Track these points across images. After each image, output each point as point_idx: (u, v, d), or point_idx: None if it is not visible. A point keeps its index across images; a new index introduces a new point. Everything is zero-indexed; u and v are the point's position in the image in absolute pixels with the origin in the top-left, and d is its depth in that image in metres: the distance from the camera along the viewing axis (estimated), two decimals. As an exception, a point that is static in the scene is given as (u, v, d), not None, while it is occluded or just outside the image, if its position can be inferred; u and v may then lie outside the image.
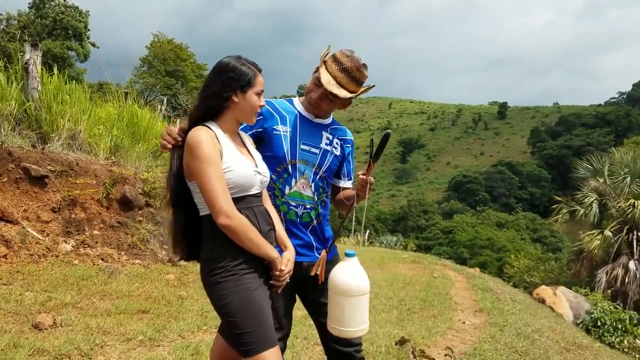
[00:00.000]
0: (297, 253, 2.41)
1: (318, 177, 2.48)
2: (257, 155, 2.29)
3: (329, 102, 2.43)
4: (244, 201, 2.13)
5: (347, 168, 2.65)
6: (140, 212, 7.07)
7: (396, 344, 4.61)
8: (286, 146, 2.44)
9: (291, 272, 2.22)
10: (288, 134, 2.45)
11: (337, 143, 2.55)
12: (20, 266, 5.12)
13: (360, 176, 2.36)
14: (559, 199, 17.40)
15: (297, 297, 2.58)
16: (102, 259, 6.11)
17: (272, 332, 2.09)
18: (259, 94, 2.18)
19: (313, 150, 2.47)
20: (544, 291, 10.97)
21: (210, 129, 2.12)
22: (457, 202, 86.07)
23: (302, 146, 2.46)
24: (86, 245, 6.25)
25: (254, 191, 2.17)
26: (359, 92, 2.44)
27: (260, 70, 2.19)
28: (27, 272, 5.01)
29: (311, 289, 2.49)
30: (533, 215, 70.06)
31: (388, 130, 2.31)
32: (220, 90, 2.12)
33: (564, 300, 10.62)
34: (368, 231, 30.26)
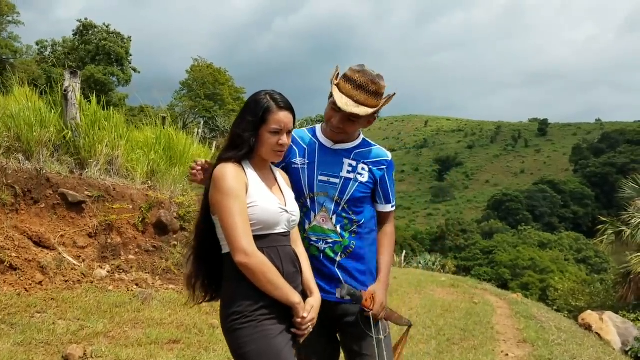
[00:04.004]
0: (325, 291, 2.26)
1: (340, 208, 2.31)
2: (289, 194, 2.19)
3: (351, 124, 2.28)
4: (267, 239, 2.02)
5: (384, 191, 2.43)
6: (175, 236, 7.07)
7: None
8: (303, 179, 2.32)
9: (314, 321, 2.07)
10: (306, 166, 2.34)
11: (362, 168, 2.35)
12: (55, 293, 5.13)
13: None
14: (604, 219, 16.90)
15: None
16: (137, 284, 6.11)
17: None
18: (273, 133, 2.04)
19: (332, 180, 2.32)
20: (590, 316, 10.51)
21: (240, 163, 2.05)
22: (497, 221, 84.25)
23: (320, 177, 2.32)
24: (121, 271, 6.26)
25: (279, 230, 2.06)
26: (381, 105, 2.26)
27: (285, 108, 2.07)
28: (61, 299, 5.02)
29: (344, 334, 2.35)
30: (577, 234, 67.91)
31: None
32: (239, 126, 2.07)
33: (611, 326, 10.16)
34: (405, 251, 29.87)
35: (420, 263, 27.54)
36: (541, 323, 8.14)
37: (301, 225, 2.30)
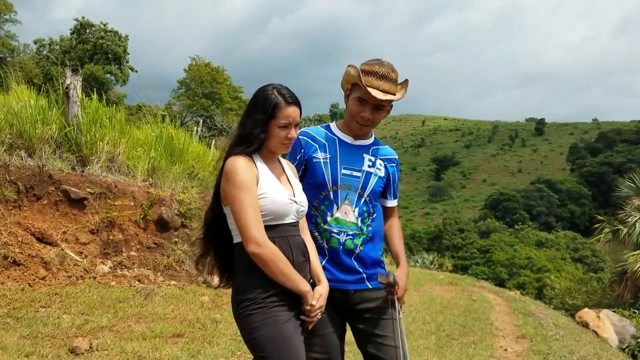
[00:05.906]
0: (342, 281, 2.36)
1: (362, 201, 2.42)
2: (297, 185, 2.26)
3: (378, 114, 2.41)
4: (278, 229, 2.08)
5: (393, 187, 2.61)
6: (176, 233, 7.11)
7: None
8: (327, 173, 2.41)
9: (323, 308, 2.15)
10: (328, 160, 2.43)
11: (380, 164, 2.51)
12: (59, 288, 5.18)
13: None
14: (601, 218, 16.96)
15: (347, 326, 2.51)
16: (139, 280, 6.15)
17: None
18: (283, 127, 2.11)
19: (355, 174, 2.43)
20: (587, 314, 10.54)
21: (250, 156, 2.11)
22: (494, 220, 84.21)
23: (344, 171, 2.42)
24: (123, 267, 6.30)
25: (289, 220, 2.13)
26: (405, 90, 2.42)
27: (293, 102, 2.13)
28: (65, 294, 5.06)
29: (359, 319, 2.42)
30: (574, 234, 67.88)
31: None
32: (247, 120, 2.13)
33: (608, 324, 10.19)
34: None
35: (417, 262, 27.55)
36: (539, 319, 8.20)
37: (322, 217, 2.39)
